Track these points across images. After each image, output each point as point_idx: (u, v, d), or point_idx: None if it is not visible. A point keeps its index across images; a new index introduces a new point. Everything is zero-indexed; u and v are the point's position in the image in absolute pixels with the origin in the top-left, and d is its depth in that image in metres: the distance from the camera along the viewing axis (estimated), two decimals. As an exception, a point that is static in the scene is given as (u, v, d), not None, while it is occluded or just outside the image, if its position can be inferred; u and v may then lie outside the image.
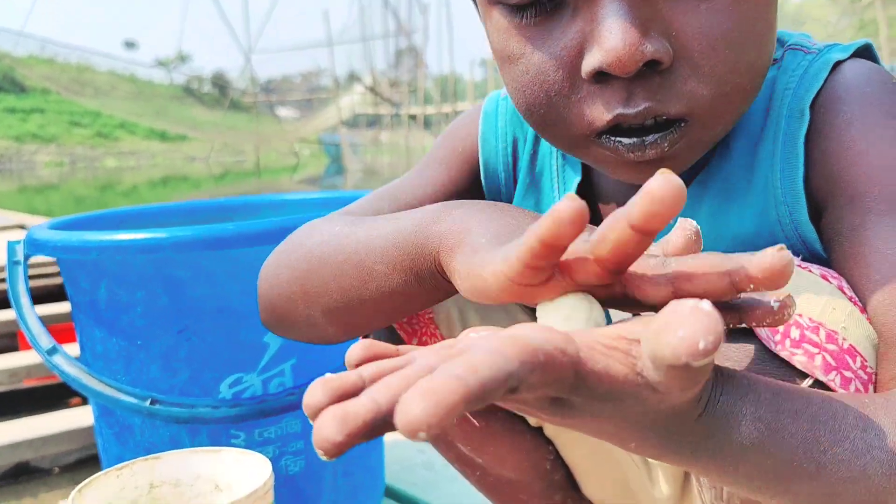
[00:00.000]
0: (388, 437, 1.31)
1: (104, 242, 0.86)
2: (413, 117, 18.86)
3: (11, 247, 0.96)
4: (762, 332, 0.46)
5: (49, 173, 25.57)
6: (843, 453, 0.38)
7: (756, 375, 0.39)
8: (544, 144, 0.67)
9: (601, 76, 0.47)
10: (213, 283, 0.87)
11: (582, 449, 0.72)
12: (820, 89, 0.54)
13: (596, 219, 0.63)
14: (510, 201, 0.68)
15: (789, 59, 0.57)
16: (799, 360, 0.45)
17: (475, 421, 0.67)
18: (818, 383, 0.45)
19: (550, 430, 0.72)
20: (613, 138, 0.49)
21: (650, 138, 0.48)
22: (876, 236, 0.48)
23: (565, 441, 0.72)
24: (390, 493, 1.15)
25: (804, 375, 0.45)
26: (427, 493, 1.13)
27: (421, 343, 0.67)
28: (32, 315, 0.92)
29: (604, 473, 0.74)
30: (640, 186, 0.52)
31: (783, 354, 0.45)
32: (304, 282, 0.56)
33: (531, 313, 0.65)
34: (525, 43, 0.50)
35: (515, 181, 0.68)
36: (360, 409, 0.27)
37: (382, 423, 0.27)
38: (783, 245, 0.33)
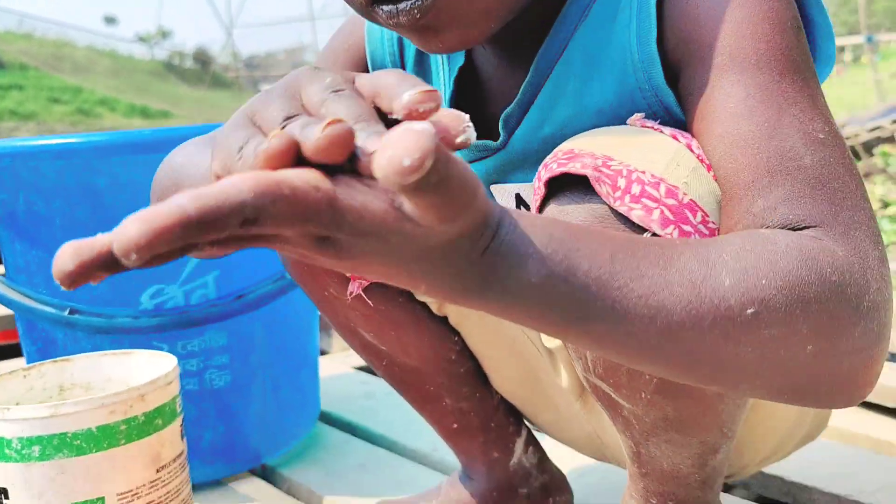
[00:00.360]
0: (326, 371, 1.31)
1: (18, 148, 0.84)
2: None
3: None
4: (602, 190, 0.46)
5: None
6: (640, 289, 0.37)
7: (553, 218, 0.39)
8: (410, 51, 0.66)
9: None
10: (132, 191, 0.86)
11: (485, 338, 0.73)
12: None
13: (480, 96, 0.63)
14: None
15: None
16: (636, 215, 0.45)
17: (370, 301, 0.67)
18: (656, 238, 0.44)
19: (454, 318, 0.72)
20: (378, 7, 0.49)
21: (402, 6, 0.48)
22: (720, 91, 0.48)
23: (470, 330, 0.73)
24: (325, 417, 1.14)
25: (644, 231, 0.45)
26: (365, 420, 1.13)
27: None
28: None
29: (510, 364, 0.74)
30: (499, 67, 0.52)
31: (622, 210, 0.45)
32: (158, 195, 0.56)
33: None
34: None
35: (403, 69, 0.67)
36: (93, 241, 0.28)
37: (109, 254, 0.28)
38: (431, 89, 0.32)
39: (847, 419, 1.03)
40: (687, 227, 0.45)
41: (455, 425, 0.77)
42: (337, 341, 1.54)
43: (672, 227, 0.45)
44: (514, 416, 0.79)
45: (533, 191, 0.51)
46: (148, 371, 0.74)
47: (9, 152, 0.84)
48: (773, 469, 0.89)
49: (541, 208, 0.50)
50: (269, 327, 0.95)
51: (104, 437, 0.63)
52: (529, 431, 0.80)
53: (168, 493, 0.67)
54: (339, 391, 1.24)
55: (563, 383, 0.70)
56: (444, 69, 0.64)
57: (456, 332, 0.73)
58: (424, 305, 0.71)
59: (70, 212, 0.86)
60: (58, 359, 0.75)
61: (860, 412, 1.06)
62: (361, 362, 1.40)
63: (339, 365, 1.40)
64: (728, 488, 0.92)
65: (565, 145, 0.50)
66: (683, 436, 0.55)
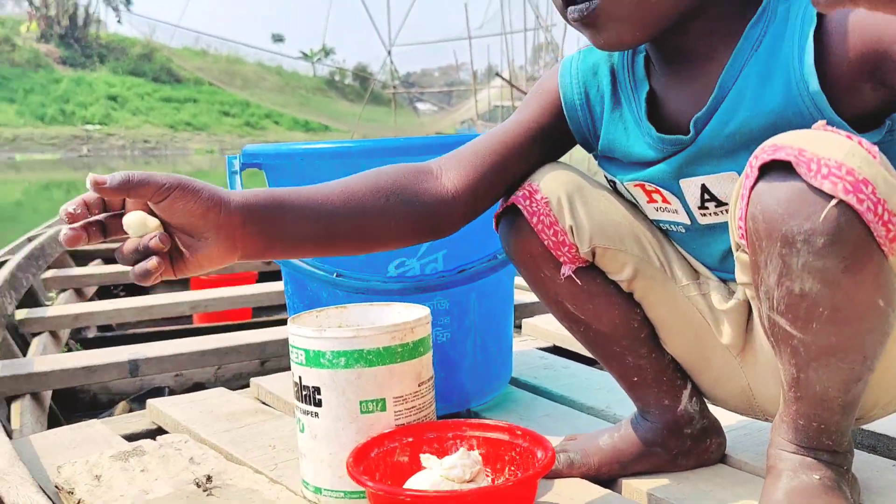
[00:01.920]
0: (516, 346, 1.53)
1: (305, 150, 1.12)
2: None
3: (230, 160, 1.25)
4: (801, 170, 0.65)
5: (200, 160, 27.30)
6: None
7: None
8: (621, 76, 0.88)
9: None
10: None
11: (662, 309, 0.92)
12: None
13: (661, 117, 0.84)
14: (590, 127, 0.92)
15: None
16: (827, 186, 0.64)
17: (578, 280, 0.89)
18: (841, 203, 0.64)
19: (638, 293, 0.91)
20: (567, 7, 0.76)
21: (577, 6, 0.75)
22: None
23: (650, 303, 0.92)
24: (514, 382, 1.37)
25: (831, 197, 0.64)
26: (547, 384, 1.34)
27: (541, 223, 0.88)
28: (248, 210, 1.20)
29: (680, 331, 0.92)
30: (682, 84, 0.73)
31: (814, 183, 0.65)
32: None
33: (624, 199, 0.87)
34: None
35: (591, 113, 0.90)
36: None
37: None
38: None
39: None
40: (861, 195, 0.64)
41: (635, 378, 0.96)
42: (525, 326, 1.77)
43: (851, 195, 0.64)
44: (681, 373, 0.97)
45: (744, 175, 0.71)
46: (403, 316, 0.98)
47: (298, 153, 1.12)
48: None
49: (753, 186, 0.69)
50: (480, 297, 1.19)
51: (387, 356, 0.87)
52: (694, 385, 0.99)
53: (423, 403, 0.91)
54: (524, 363, 1.46)
55: (724, 340, 0.89)
56: (634, 98, 0.86)
57: (638, 305, 0.92)
58: (615, 284, 0.91)
59: (339, 194, 1.13)
60: (337, 306, 1.01)
61: None
62: (543, 344, 1.62)
63: (525, 345, 1.63)
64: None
65: (769, 142, 0.70)
66: (838, 360, 0.72)
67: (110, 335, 2.68)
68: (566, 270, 0.89)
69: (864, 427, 1.06)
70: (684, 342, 0.94)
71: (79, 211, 0.70)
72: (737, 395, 0.95)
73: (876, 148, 0.68)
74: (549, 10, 20.08)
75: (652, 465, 0.97)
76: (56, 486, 1.02)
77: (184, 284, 3.04)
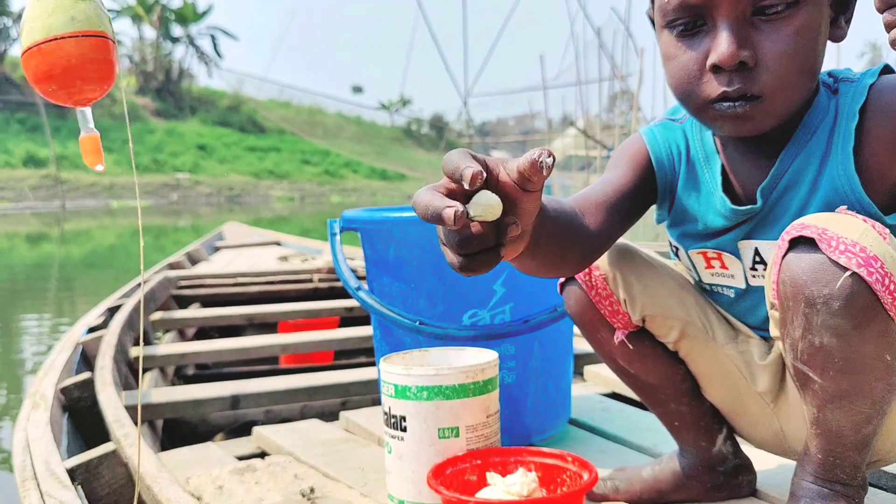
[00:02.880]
0: (577, 392, 1.70)
1: (395, 218, 1.33)
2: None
3: (331, 224, 1.47)
4: (822, 246, 0.81)
5: (281, 207, 28.22)
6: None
7: None
8: (693, 150, 1.04)
9: (716, 68, 0.88)
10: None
11: (703, 365, 1.07)
12: (865, 100, 0.90)
13: (731, 189, 1.00)
14: (672, 186, 1.05)
15: (843, 87, 0.93)
16: (843, 260, 0.80)
17: (630, 345, 1.06)
18: (854, 275, 0.80)
19: (683, 352, 1.07)
20: (721, 104, 0.88)
21: (739, 103, 0.87)
22: None
23: (693, 360, 1.07)
24: (574, 422, 1.53)
25: (846, 269, 0.80)
26: (603, 424, 1.50)
27: (598, 296, 1.05)
28: (346, 266, 1.42)
29: (719, 382, 1.08)
30: (747, 159, 0.89)
31: (833, 256, 0.80)
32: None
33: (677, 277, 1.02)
34: (679, 48, 0.91)
35: (675, 170, 1.05)
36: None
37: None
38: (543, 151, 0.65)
39: None
40: (871, 269, 0.79)
41: (676, 423, 1.12)
42: (586, 373, 1.93)
43: (863, 268, 0.80)
44: (717, 418, 1.12)
45: (777, 246, 0.86)
46: (476, 359, 1.17)
47: (389, 220, 1.34)
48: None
49: (784, 256, 0.85)
50: (542, 345, 1.37)
51: (461, 391, 1.06)
52: (730, 428, 1.14)
53: (491, 432, 1.10)
54: (584, 406, 1.63)
55: (759, 388, 1.04)
56: (706, 170, 1.02)
57: (682, 361, 1.08)
58: (663, 345, 1.07)
59: (422, 258, 1.34)
60: (420, 349, 1.21)
61: None
62: (604, 389, 1.78)
63: (586, 390, 1.79)
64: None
65: (798, 220, 0.86)
66: (850, 403, 0.86)
67: (207, 373, 2.95)
68: (619, 335, 1.06)
69: (885, 469, 1.19)
70: (723, 392, 1.09)
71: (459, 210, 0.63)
72: (770, 437, 1.09)
73: (887, 230, 0.83)
74: (624, 60, 20.26)
75: (687, 496, 1.13)
76: (188, 493, 1.23)
77: (272, 328, 3.30)
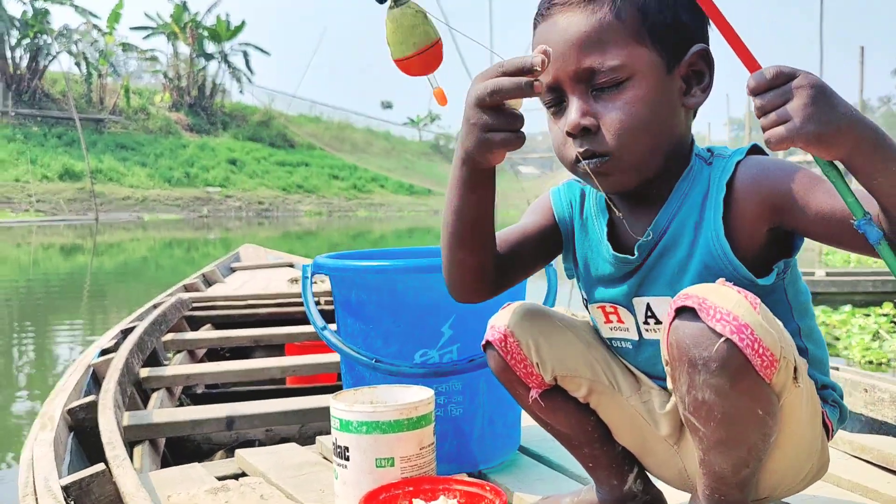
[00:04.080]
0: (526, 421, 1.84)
1: (356, 266, 1.50)
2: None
3: (304, 268, 1.64)
4: (702, 315, 0.95)
5: (309, 221, 28.58)
6: None
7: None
8: (588, 204, 1.20)
9: (570, 134, 1.05)
10: (414, 292, 1.48)
11: (612, 414, 1.21)
12: (731, 175, 1.05)
13: (618, 241, 1.15)
14: (572, 237, 1.22)
15: (716, 162, 1.09)
16: (718, 328, 0.94)
17: (543, 402, 1.20)
18: (728, 341, 0.93)
19: (593, 404, 1.20)
20: (580, 163, 1.05)
21: (593, 161, 1.04)
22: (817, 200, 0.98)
23: (602, 410, 1.21)
24: (524, 450, 1.68)
25: (721, 336, 0.93)
26: (549, 454, 1.64)
27: (513, 359, 1.20)
28: (314, 308, 1.59)
29: (627, 429, 1.21)
30: (631, 216, 1.05)
31: (711, 324, 0.94)
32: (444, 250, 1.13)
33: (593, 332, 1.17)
34: (553, 123, 1.09)
35: (573, 224, 1.22)
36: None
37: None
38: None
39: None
40: (742, 336, 0.92)
41: (590, 464, 1.26)
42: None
43: (735, 335, 0.93)
44: (629, 459, 1.25)
45: (667, 313, 1.00)
46: (413, 397, 1.32)
47: (351, 268, 1.50)
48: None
49: (671, 322, 0.99)
50: (489, 381, 1.52)
51: (397, 426, 1.22)
52: (640, 467, 1.27)
53: (424, 462, 1.25)
54: (537, 435, 1.77)
55: (662, 433, 1.18)
56: (597, 223, 1.18)
57: (593, 412, 1.22)
58: (575, 399, 1.21)
59: (380, 301, 1.50)
60: (371, 386, 1.37)
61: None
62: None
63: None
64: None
65: (683, 291, 0.99)
66: (729, 449, 0.99)
67: (215, 392, 3.13)
68: (534, 394, 1.20)
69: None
70: (631, 437, 1.23)
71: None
72: (675, 475, 1.23)
73: (758, 300, 0.97)
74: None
75: (600, 527, 1.27)
76: (165, 511, 1.40)
77: (280, 350, 3.47)
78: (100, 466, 1.49)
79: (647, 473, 1.28)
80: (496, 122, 0.96)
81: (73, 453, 1.79)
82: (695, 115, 1.13)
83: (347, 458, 1.23)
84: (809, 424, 1.06)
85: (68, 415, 1.91)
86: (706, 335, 0.94)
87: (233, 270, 5.32)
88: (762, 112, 0.87)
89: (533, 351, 1.17)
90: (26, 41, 37.43)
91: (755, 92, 0.87)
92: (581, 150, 1.04)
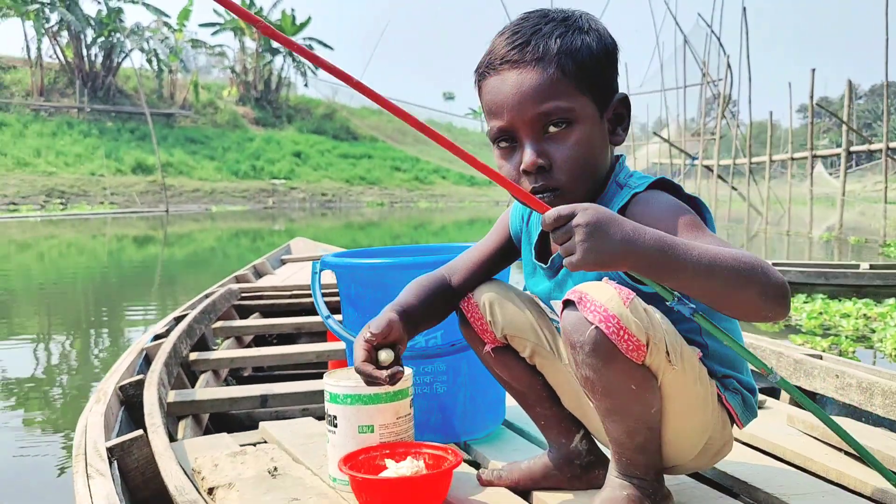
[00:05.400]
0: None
1: (355, 263, 1.73)
2: (708, 168, 18.64)
3: (314, 265, 1.88)
4: (580, 306, 1.15)
5: (371, 212, 29.07)
6: (694, 251, 1.05)
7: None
8: (532, 220, 1.41)
9: (526, 172, 1.24)
10: (401, 286, 1.70)
11: (554, 378, 1.42)
12: (626, 203, 1.24)
13: (548, 253, 1.36)
14: (520, 244, 1.44)
15: (623, 191, 1.27)
16: (591, 317, 1.14)
17: (495, 355, 1.42)
18: (597, 328, 1.14)
19: (538, 366, 1.42)
20: (535, 196, 1.24)
21: (546, 195, 1.24)
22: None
23: (547, 373, 1.43)
24: (508, 424, 1.89)
25: (591, 324, 1.14)
26: (529, 428, 1.85)
27: (472, 317, 1.42)
28: (321, 299, 1.82)
29: (566, 392, 1.42)
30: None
31: (585, 314, 1.15)
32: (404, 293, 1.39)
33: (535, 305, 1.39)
34: (503, 161, 1.29)
35: (521, 234, 1.43)
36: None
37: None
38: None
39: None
40: (609, 325, 1.12)
41: (542, 422, 1.47)
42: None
43: (603, 323, 1.13)
44: (575, 422, 1.46)
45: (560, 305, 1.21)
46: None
47: (349, 265, 1.73)
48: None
49: (562, 312, 1.19)
50: (470, 363, 1.73)
51: (376, 399, 1.44)
52: (586, 431, 1.47)
53: (401, 430, 1.47)
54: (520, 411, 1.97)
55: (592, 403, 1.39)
56: (533, 236, 1.39)
57: (541, 374, 1.44)
58: (524, 360, 1.43)
59: (374, 294, 1.73)
60: (362, 366, 1.59)
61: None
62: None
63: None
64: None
65: (574, 287, 1.21)
66: (618, 418, 1.20)
67: (260, 375, 3.42)
68: (488, 347, 1.43)
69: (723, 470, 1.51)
70: (570, 401, 1.44)
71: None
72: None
73: (633, 295, 1.16)
74: (718, 67, 20.05)
75: (552, 484, 1.47)
76: (193, 469, 1.65)
77: (322, 337, 3.74)
78: (138, 432, 1.76)
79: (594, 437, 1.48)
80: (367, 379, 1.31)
81: (122, 423, 2.08)
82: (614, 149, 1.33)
83: (336, 426, 1.46)
84: (700, 402, 1.24)
85: (120, 391, 2.19)
86: (582, 322, 1.15)
87: (283, 262, 5.63)
88: (558, 244, 1.08)
89: (487, 311, 1.40)
90: (101, 39, 38.83)
91: (548, 229, 1.08)
92: (537, 185, 1.24)
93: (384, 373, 1.28)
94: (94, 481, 1.48)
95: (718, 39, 19.24)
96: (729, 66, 17.76)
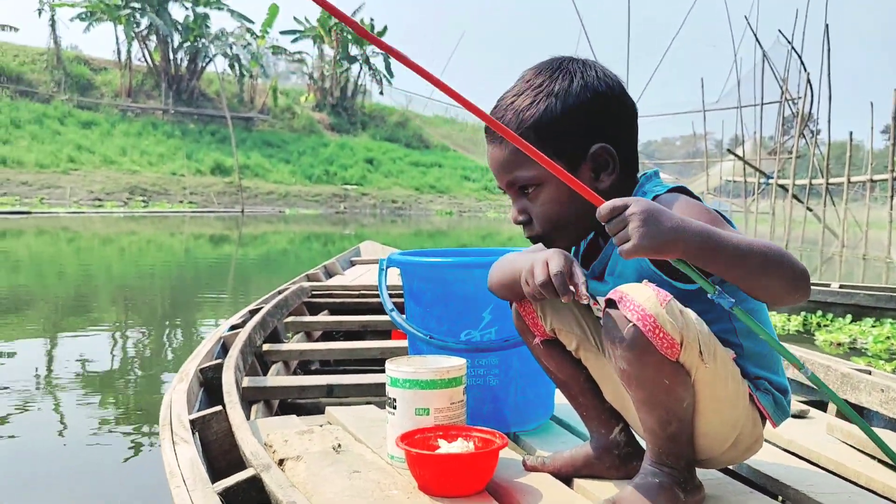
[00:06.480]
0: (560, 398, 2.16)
1: (417, 261, 1.87)
2: (783, 187, 18.23)
3: (381, 262, 2.03)
4: (620, 305, 1.26)
5: (440, 220, 29.34)
6: (734, 238, 1.18)
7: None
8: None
9: (518, 223, 1.41)
10: (461, 283, 1.84)
11: (596, 372, 1.53)
12: None
13: (588, 259, 1.49)
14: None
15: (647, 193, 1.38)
16: (629, 315, 1.26)
17: (544, 347, 1.54)
18: (634, 326, 1.25)
19: (582, 360, 1.54)
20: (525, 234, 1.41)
21: (535, 239, 1.43)
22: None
23: (590, 367, 1.54)
24: (556, 420, 2.00)
25: (629, 321, 1.26)
26: (576, 424, 1.96)
27: (525, 311, 1.55)
28: (386, 294, 1.97)
29: (607, 386, 1.53)
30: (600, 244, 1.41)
31: (624, 312, 1.26)
32: (494, 276, 1.54)
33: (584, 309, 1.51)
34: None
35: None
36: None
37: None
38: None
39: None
40: (645, 323, 1.23)
41: (584, 413, 1.58)
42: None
43: (641, 321, 1.25)
44: (615, 414, 1.57)
45: (603, 303, 1.33)
46: (452, 363, 1.68)
47: (413, 263, 1.88)
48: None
49: (604, 310, 1.31)
50: (521, 358, 1.86)
51: (432, 384, 1.58)
52: (626, 423, 1.58)
53: (454, 414, 1.61)
54: (568, 408, 2.08)
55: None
56: (581, 245, 1.52)
57: (584, 367, 1.55)
58: (570, 354, 1.55)
59: (434, 290, 1.87)
60: (421, 355, 1.73)
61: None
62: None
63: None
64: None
65: (615, 288, 1.33)
66: (650, 409, 1.31)
67: (327, 368, 3.60)
68: (537, 339, 1.55)
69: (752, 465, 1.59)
70: (611, 394, 1.55)
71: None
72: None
73: (670, 297, 1.27)
74: (799, 85, 19.64)
75: (592, 472, 1.58)
76: (265, 444, 1.82)
77: (386, 336, 3.90)
78: (218, 408, 1.93)
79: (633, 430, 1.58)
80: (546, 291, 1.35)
81: (201, 402, 2.26)
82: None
83: (395, 407, 1.61)
84: (731, 399, 1.34)
85: (200, 373, 2.39)
86: (621, 320, 1.26)
87: (352, 264, 5.84)
88: (612, 234, 1.20)
89: (538, 306, 1.53)
90: (187, 44, 40.20)
91: (603, 220, 1.20)
92: (527, 234, 1.45)
93: (580, 284, 1.31)
94: (179, 448, 1.66)
95: (799, 56, 18.85)
96: (809, 83, 17.40)
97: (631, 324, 1.25)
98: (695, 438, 1.37)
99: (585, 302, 1.34)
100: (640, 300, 1.26)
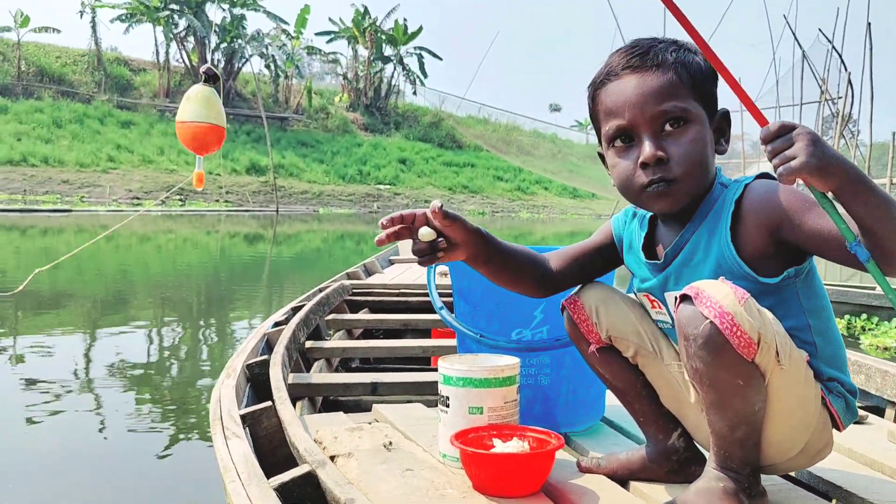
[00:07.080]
0: (611, 399, 2.13)
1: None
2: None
3: (431, 259, 2.02)
4: (696, 301, 1.23)
5: (472, 220, 29.32)
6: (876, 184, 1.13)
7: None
8: (635, 224, 1.50)
9: (644, 165, 1.34)
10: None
11: (655, 378, 1.50)
12: (741, 194, 1.32)
13: (653, 250, 1.45)
14: (622, 252, 1.54)
15: (731, 185, 1.36)
16: (707, 313, 1.23)
17: (600, 354, 1.51)
18: (711, 323, 1.22)
19: (640, 366, 1.51)
20: (650, 188, 1.35)
21: (661, 185, 1.34)
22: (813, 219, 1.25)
23: (648, 373, 1.51)
24: (607, 421, 1.97)
25: (706, 318, 1.22)
26: (627, 426, 1.93)
27: (579, 318, 1.53)
28: (435, 292, 1.96)
29: (666, 392, 1.50)
30: (665, 231, 1.36)
31: (701, 309, 1.23)
32: None
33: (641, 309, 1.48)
34: (618, 159, 1.39)
35: (622, 240, 1.53)
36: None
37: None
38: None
39: None
40: (723, 320, 1.20)
41: (641, 419, 1.55)
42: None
43: (718, 318, 1.21)
44: (673, 419, 1.53)
45: (676, 298, 1.30)
46: (505, 362, 1.66)
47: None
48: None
49: (678, 306, 1.28)
50: (574, 358, 1.83)
51: (486, 383, 1.56)
52: (684, 429, 1.54)
53: (508, 413, 1.59)
54: (620, 411, 2.05)
55: (692, 400, 1.46)
56: (638, 237, 1.49)
57: (641, 373, 1.52)
58: (626, 359, 1.52)
59: (485, 289, 1.85)
60: (472, 354, 1.72)
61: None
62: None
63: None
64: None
65: (690, 285, 1.29)
66: (720, 410, 1.27)
67: (368, 366, 3.60)
68: (592, 347, 1.53)
69: (818, 474, 1.55)
70: (670, 400, 1.52)
71: (387, 223, 1.36)
72: (704, 438, 1.48)
73: (747, 295, 1.23)
74: (839, 85, 19.32)
75: (649, 476, 1.55)
76: (315, 440, 1.82)
77: (426, 334, 3.89)
78: (267, 403, 1.94)
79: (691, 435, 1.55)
80: (412, 250, 1.42)
81: (249, 397, 2.27)
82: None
83: (448, 406, 1.59)
84: (804, 403, 1.30)
85: (247, 369, 2.39)
86: (697, 317, 1.22)
87: (391, 262, 5.84)
88: (773, 154, 1.13)
89: (593, 313, 1.50)
90: (223, 45, 40.62)
91: (765, 141, 1.14)
92: (654, 177, 1.34)
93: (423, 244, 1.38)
94: (231, 442, 1.66)
95: (840, 56, 18.52)
96: (850, 83, 17.08)
97: (708, 321, 1.21)
98: (763, 443, 1.33)
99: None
100: (718, 297, 1.22)
